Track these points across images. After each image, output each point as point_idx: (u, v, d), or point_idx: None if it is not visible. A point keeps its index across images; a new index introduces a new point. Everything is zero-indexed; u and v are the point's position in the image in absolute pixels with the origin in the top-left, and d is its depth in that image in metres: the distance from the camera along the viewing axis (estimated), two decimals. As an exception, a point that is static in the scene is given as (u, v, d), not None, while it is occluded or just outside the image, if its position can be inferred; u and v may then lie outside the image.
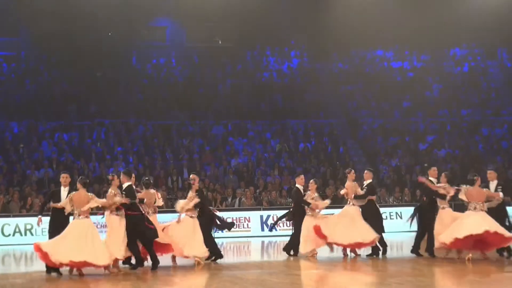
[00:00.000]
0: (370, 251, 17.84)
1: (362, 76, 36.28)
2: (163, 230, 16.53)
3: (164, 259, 16.94)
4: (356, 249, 17.86)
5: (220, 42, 38.34)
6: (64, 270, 14.97)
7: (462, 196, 16.44)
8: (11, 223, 23.35)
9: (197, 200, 16.63)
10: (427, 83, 36.35)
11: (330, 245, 17.81)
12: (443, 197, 17.04)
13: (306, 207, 17.84)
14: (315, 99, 34.54)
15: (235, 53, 36.98)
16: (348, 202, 17.85)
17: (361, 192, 17.73)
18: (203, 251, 16.56)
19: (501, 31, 36.08)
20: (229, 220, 24.37)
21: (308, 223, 17.77)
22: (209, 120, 32.54)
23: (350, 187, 17.83)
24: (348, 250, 17.90)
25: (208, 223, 17.15)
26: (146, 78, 34.98)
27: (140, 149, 29.69)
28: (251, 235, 24.18)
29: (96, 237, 15.02)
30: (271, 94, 34.76)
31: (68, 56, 34.04)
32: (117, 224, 15.37)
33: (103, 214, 15.89)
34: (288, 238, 18.82)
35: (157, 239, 15.97)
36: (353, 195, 17.73)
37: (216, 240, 18.85)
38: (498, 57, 38.69)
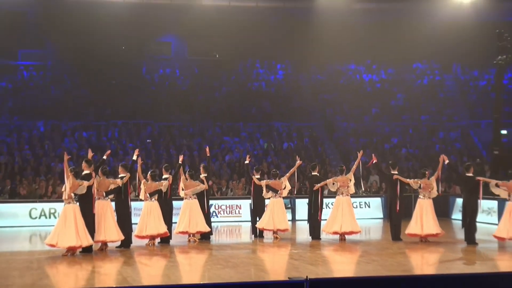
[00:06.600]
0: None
1: (337, 87, 36.31)
2: None
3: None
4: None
5: (217, 56, 38.33)
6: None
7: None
8: (37, 207, 23.33)
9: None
10: (392, 93, 36.43)
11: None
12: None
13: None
14: (298, 105, 34.60)
15: (230, 65, 36.95)
16: (342, 192, 18.06)
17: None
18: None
19: (456, 49, 36.11)
20: (223, 208, 24.68)
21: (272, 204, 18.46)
22: (207, 122, 32.56)
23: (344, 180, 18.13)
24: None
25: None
26: (154, 86, 34.94)
27: (148, 146, 29.67)
28: (242, 220, 24.20)
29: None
30: (260, 100, 34.78)
31: (87, 66, 33.98)
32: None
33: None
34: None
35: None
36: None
37: (212, 224, 19.01)
38: (453, 71, 38.78)
